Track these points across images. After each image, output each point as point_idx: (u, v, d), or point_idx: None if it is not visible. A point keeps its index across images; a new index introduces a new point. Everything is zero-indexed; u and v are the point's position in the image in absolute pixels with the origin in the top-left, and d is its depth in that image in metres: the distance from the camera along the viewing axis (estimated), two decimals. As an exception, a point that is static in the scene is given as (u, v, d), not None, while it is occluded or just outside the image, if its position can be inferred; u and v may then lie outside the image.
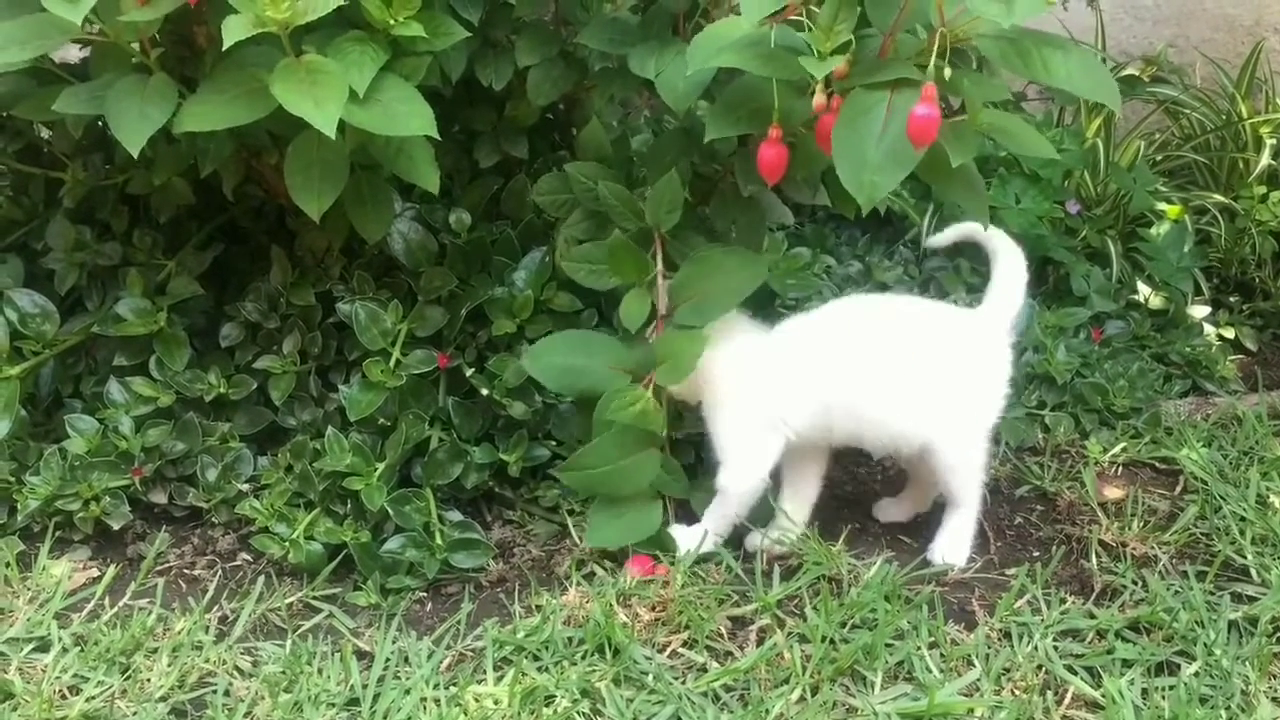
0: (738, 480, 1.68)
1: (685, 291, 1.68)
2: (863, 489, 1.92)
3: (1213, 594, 1.63)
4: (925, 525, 1.79)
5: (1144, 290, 2.35)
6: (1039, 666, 1.50)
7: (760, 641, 1.55)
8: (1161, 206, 2.43)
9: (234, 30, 1.38)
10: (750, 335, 1.70)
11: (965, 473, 1.69)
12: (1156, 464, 1.98)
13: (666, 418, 1.68)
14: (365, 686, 1.47)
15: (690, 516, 1.74)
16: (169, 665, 1.51)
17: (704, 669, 1.51)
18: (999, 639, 1.56)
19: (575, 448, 1.81)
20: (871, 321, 1.70)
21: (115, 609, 1.63)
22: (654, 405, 1.64)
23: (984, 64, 1.54)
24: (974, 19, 1.34)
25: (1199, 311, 2.38)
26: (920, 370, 1.65)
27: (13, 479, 1.75)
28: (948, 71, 1.35)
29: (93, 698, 1.46)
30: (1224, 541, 1.73)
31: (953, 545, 1.71)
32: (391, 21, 1.52)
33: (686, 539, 1.69)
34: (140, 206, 1.95)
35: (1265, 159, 2.53)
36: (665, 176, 1.69)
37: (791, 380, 1.66)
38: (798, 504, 1.74)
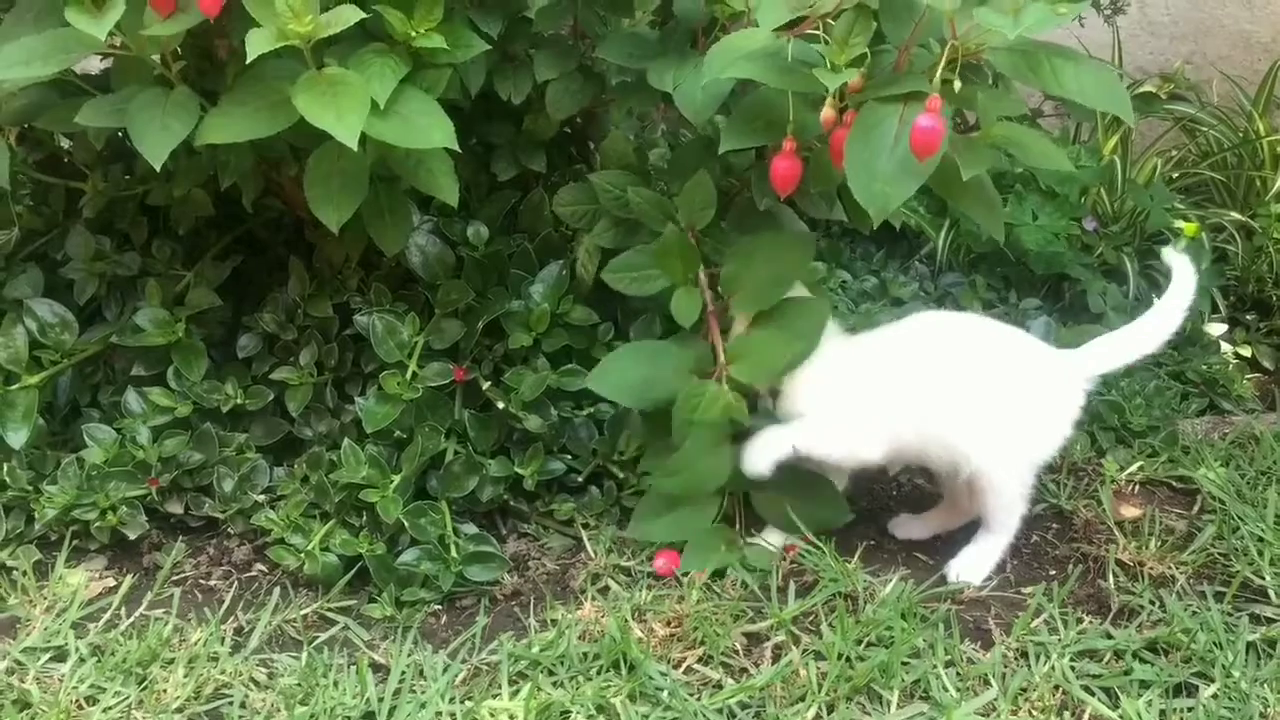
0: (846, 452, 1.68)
1: (735, 284, 1.68)
2: (878, 505, 1.92)
3: (1231, 615, 1.63)
4: (942, 543, 1.79)
5: (1161, 308, 2.34)
6: (1056, 687, 1.50)
7: (776, 658, 1.55)
8: (1178, 224, 2.42)
9: (257, 44, 1.39)
10: (836, 345, 1.70)
11: (1002, 499, 1.69)
12: (1173, 483, 1.97)
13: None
14: (381, 700, 1.47)
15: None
16: (185, 676, 1.51)
17: (719, 686, 1.50)
18: (1016, 658, 1.56)
19: (589, 461, 1.83)
20: (937, 339, 1.70)
21: (131, 619, 1.64)
22: (735, 398, 1.63)
23: (1000, 80, 1.54)
24: (985, 32, 1.35)
25: (1216, 329, 2.37)
26: (974, 391, 1.65)
27: (30, 488, 1.76)
28: (957, 84, 1.35)
29: (109, 708, 1.46)
30: (1242, 562, 1.73)
31: (973, 565, 1.71)
32: (413, 34, 1.53)
33: (764, 446, 1.66)
34: (160, 217, 1.96)
35: (1283, 177, 2.52)
36: (695, 176, 1.70)
37: (869, 397, 1.66)
38: None
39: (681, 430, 1.64)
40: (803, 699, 1.47)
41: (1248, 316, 2.48)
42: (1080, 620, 1.62)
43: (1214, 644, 1.56)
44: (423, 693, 1.49)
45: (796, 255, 1.71)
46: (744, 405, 1.65)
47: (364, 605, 1.66)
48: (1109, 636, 1.58)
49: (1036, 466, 1.70)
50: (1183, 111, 2.71)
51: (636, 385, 1.69)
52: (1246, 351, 2.40)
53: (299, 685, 1.50)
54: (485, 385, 1.82)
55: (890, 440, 1.67)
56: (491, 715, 1.44)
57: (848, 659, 1.52)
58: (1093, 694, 1.49)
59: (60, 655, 1.56)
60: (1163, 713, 1.46)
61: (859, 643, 1.55)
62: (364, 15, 1.44)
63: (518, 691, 1.48)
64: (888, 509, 1.89)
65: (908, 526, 1.82)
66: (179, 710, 1.46)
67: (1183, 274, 1.73)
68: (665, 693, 1.48)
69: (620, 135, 1.85)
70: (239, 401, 1.82)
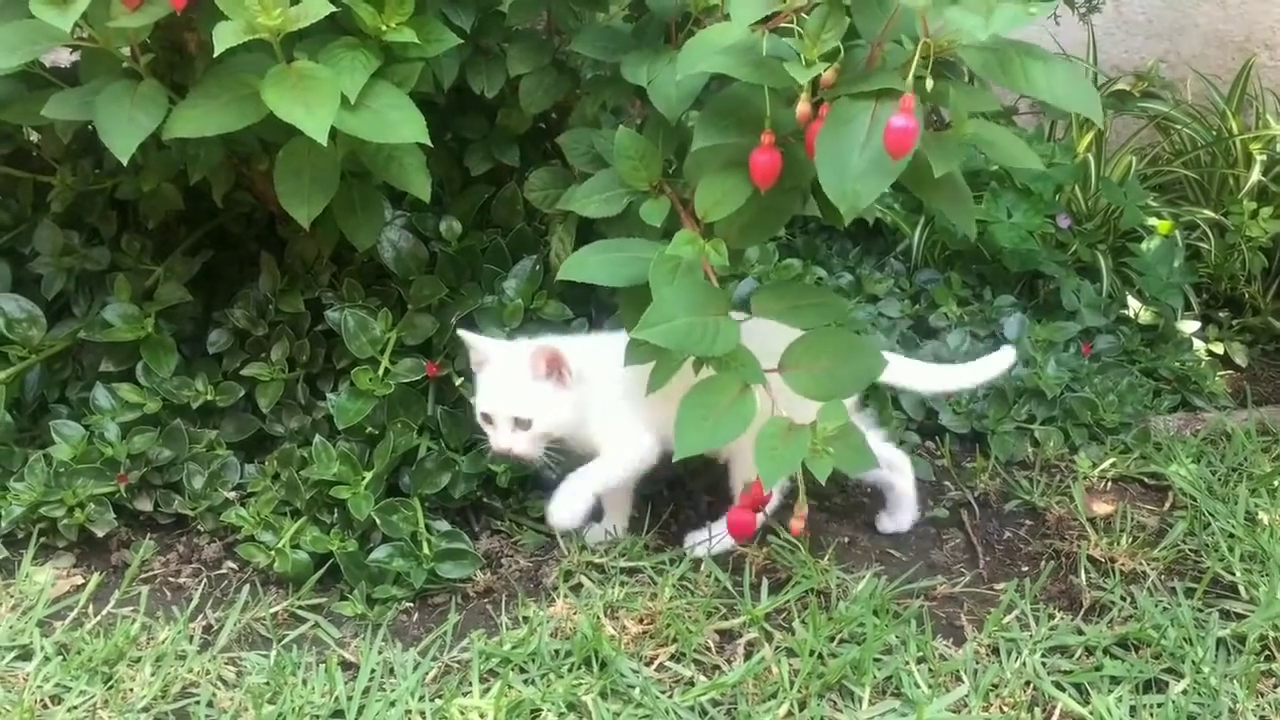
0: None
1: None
2: (851, 502, 1.91)
3: (1201, 611, 1.63)
4: (916, 541, 1.79)
5: (1134, 305, 2.35)
6: (1027, 683, 1.50)
7: (748, 655, 1.55)
8: (1152, 221, 2.43)
9: (225, 37, 1.37)
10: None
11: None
12: (1145, 479, 1.98)
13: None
14: (350, 698, 1.46)
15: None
16: (152, 675, 1.50)
17: (691, 683, 1.50)
18: (987, 655, 1.56)
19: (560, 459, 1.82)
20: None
21: (99, 617, 1.62)
22: (715, 244, 1.51)
23: (975, 77, 1.52)
24: (958, 29, 1.34)
25: (1189, 327, 2.38)
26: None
27: (-4, 485, 1.74)
28: (930, 82, 1.35)
29: (75, 707, 1.45)
30: (1213, 558, 1.73)
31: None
32: (384, 28, 1.52)
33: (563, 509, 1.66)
34: (129, 212, 1.94)
35: (1255, 175, 2.53)
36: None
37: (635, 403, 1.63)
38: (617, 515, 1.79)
39: (657, 279, 1.48)
40: (774, 696, 1.47)
41: (1220, 314, 2.49)
42: (1052, 616, 1.62)
43: (1184, 640, 1.56)
44: (392, 691, 1.48)
45: None
46: (723, 250, 1.50)
47: (335, 603, 1.65)
48: (1080, 633, 1.59)
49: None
50: (1157, 110, 2.72)
51: (610, 264, 1.55)
52: (1219, 349, 2.41)
53: (267, 684, 1.49)
54: (458, 381, 1.81)
55: (662, 440, 1.67)
56: (462, 713, 1.44)
57: (820, 656, 1.52)
58: (1063, 690, 1.49)
59: (25, 654, 1.54)
60: (1133, 709, 1.46)
61: (831, 639, 1.55)
62: (334, 9, 1.42)
63: (489, 689, 1.48)
64: (861, 506, 1.89)
65: (883, 522, 1.84)
66: (145, 709, 1.45)
67: (1004, 359, 1.85)
68: (637, 690, 1.47)
69: (586, 101, 1.82)
70: (209, 398, 1.81)
